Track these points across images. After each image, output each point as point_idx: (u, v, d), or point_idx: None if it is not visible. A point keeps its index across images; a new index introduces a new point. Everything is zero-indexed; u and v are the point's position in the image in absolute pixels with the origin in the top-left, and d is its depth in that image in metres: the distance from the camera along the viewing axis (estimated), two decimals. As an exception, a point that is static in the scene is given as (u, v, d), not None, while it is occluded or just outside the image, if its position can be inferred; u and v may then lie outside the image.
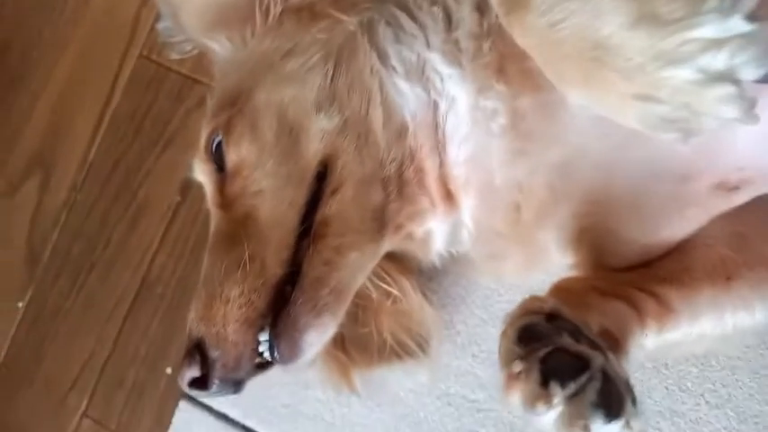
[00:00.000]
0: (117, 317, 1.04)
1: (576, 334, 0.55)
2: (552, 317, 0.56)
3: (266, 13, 0.75)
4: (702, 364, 0.88)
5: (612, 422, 0.52)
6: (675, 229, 0.69)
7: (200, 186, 0.74)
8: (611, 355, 0.54)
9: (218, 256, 0.66)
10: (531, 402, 0.52)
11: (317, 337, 0.66)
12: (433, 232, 0.74)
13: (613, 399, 0.52)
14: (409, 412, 0.92)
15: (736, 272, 0.66)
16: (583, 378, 0.51)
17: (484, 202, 0.70)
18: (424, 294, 0.84)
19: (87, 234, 1.06)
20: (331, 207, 0.66)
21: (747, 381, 0.87)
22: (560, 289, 0.68)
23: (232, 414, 0.98)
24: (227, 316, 0.63)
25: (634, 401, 0.53)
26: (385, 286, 0.80)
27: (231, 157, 0.68)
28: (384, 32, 0.70)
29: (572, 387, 0.51)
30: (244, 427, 0.98)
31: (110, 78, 1.08)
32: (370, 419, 0.93)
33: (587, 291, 0.67)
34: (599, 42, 0.51)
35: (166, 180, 1.04)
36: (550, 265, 0.73)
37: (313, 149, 0.67)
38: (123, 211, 1.05)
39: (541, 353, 0.53)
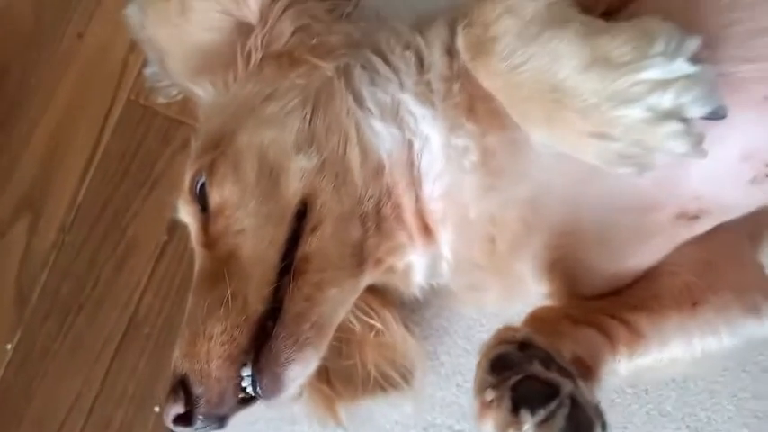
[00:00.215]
0: (105, 357, 1.04)
1: (547, 361, 0.56)
2: (524, 345, 0.57)
3: (248, 59, 0.77)
4: (681, 387, 0.89)
5: (581, 446, 0.53)
6: (642, 257, 0.70)
7: (186, 226, 0.76)
8: (580, 382, 0.56)
9: (202, 294, 0.67)
10: (502, 429, 0.53)
11: (299, 371, 0.66)
12: (414, 265, 0.76)
13: (582, 424, 0.53)
14: (395, 444, 0.92)
15: (702, 297, 0.67)
16: (552, 405, 0.52)
17: (461, 235, 0.71)
18: (407, 326, 0.85)
19: (76, 274, 1.07)
20: (311, 244, 0.68)
21: (726, 404, 0.88)
22: (534, 318, 0.70)
23: (219, 450, 0.98)
24: (211, 352, 0.64)
25: (604, 426, 0.55)
26: (368, 319, 0.81)
27: (214, 198, 0.70)
28: (360, 76, 0.72)
29: (541, 414, 0.52)
30: (230, 462, 0.98)
31: (99, 121, 1.10)
32: (357, 452, 0.93)
33: (560, 319, 0.68)
34: (556, 85, 0.54)
35: (153, 220, 1.05)
36: (528, 294, 0.74)
37: (293, 189, 0.69)
38: (111, 251, 1.06)
39: (512, 381, 0.54)
